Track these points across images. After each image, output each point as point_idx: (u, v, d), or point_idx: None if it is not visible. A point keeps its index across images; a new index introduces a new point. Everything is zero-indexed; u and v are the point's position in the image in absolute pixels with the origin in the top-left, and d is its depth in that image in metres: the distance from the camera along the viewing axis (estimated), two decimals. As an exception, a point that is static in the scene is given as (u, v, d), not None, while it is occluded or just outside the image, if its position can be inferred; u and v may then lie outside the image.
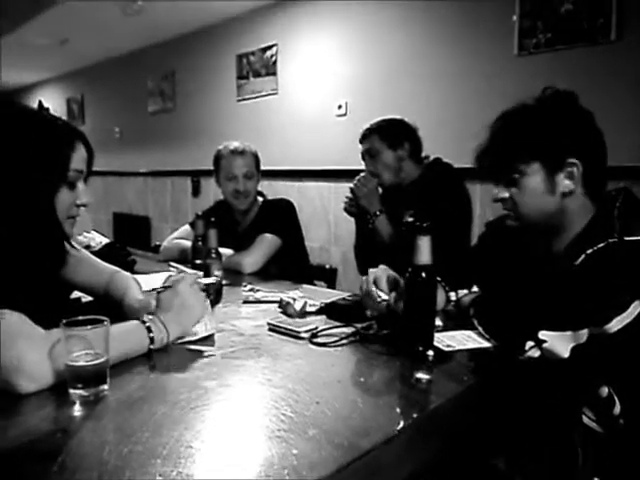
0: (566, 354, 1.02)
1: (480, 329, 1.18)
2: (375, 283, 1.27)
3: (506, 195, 1.17)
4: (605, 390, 1.03)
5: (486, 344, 1.15)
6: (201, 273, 1.36)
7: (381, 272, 1.29)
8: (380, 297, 1.25)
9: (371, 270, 1.31)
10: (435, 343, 1.10)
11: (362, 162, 2.16)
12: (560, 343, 1.03)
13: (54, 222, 1.06)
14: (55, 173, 1.05)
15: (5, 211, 0.98)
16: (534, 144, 1.12)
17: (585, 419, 1.08)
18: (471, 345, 1.14)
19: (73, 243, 1.32)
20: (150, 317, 1.09)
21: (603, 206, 1.14)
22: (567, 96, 1.15)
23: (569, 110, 1.14)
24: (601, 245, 1.04)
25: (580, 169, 1.11)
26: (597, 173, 1.14)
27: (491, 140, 1.19)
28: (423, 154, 2.11)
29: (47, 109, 1.11)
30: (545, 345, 1.04)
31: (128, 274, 1.44)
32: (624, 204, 1.11)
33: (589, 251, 1.05)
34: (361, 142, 2.13)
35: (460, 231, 1.96)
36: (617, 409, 1.02)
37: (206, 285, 1.33)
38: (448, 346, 1.12)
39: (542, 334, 1.04)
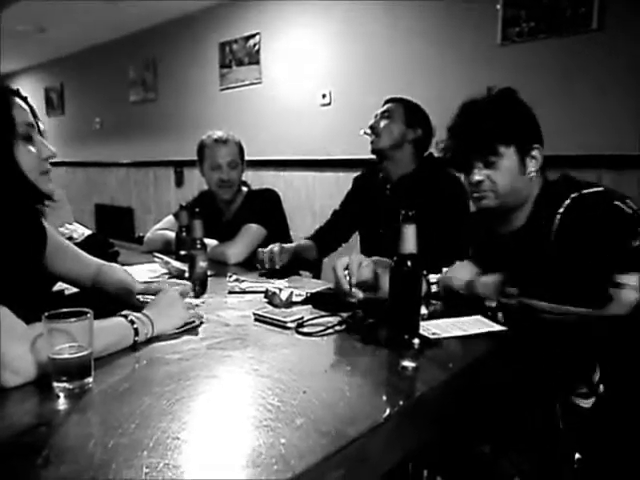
0: None
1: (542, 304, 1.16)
2: (347, 269, 1.30)
3: (484, 177, 1.28)
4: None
5: (472, 331, 1.15)
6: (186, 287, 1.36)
7: (353, 258, 1.31)
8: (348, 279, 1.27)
9: (342, 259, 1.32)
10: (421, 331, 1.11)
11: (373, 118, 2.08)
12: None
13: (21, 179, 1.04)
14: (2, 128, 1.03)
15: None
16: (511, 128, 1.26)
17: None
18: (456, 333, 1.15)
19: (53, 229, 1.30)
20: (135, 313, 1.09)
21: (545, 184, 1.31)
22: (515, 91, 1.32)
23: (522, 102, 1.31)
24: (568, 202, 1.18)
25: (541, 153, 1.28)
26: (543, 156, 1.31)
27: (469, 123, 1.30)
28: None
29: None
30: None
31: (116, 265, 1.43)
32: (565, 178, 1.30)
33: (561, 210, 1.19)
34: (384, 104, 2.08)
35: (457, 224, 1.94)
36: (597, 375, 1.05)
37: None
38: (434, 334, 1.13)
39: (621, 278, 1.10)
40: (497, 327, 1.17)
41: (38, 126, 1.13)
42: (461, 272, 1.34)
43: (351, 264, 1.29)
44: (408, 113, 2.00)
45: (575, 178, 1.29)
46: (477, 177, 1.28)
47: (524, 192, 1.29)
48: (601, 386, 1.05)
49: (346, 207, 2.24)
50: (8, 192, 1.02)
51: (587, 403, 1.08)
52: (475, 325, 1.19)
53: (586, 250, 1.13)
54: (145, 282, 1.39)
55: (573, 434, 1.09)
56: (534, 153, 1.27)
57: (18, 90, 1.11)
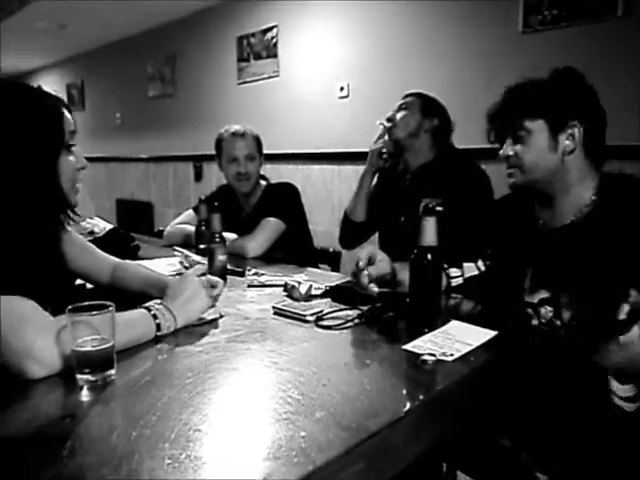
0: None
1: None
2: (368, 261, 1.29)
3: (511, 152, 1.25)
4: None
5: (476, 344, 1.04)
6: (204, 266, 1.35)
7: (368, 251, 1.31)
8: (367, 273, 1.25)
9: (361, 252, 1.31)
10: (430, 354, 0.98)
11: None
12: None
13: (56, 189, 1.05)
14: (54, 137, 1.04)
15: (10, 185, 0.98)
16: (540, 102, 1.22)
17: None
18: (466, 349, 1.02)
19: (73, 230, 1.32)
20: (157, 305, 1.09)
21: (605, 177, 1.24)
22: (573, 70, 1.24)
23: (573, 79, 1.24)
24: None
25: (580, 131, 1.20)
26: (596, 138, 1.23)
27: (502, 100, 1.28)
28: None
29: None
30: None
31: (132, 262, 1.45)
32: (626, 175, 1.24)
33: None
34: (403, 98, 2.08)
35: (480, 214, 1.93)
36: None
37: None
38: (450, 355, 0.99)
39: None
40: (491, 332, 1.09)
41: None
42: None
43: (361, 254, 1.28)
44: (424, 104, 2.01)
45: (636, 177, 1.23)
46: (502, 151, 1.26)
47: (558, 173, 1.21)
48: None
49: (372, 202, 2.24)
50: (39, 200, 1.03)
51: (630, 407, 1.04)
52: (470, 335, 1.08)
53: None
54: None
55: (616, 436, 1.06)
56: (571, 131, 1.20)
57: (60, 97, 1.11)
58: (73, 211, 1.13)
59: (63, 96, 1.12)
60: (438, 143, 2.01)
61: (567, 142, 1.20)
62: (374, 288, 1.23)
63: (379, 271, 1.28)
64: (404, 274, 1.23)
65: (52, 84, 6.91)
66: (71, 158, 1.09)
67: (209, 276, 1.28)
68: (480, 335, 1.08)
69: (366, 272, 1.24)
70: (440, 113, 2.02)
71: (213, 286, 1.25)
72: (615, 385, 1.02)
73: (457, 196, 1.80)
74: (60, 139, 1.06)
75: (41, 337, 0.86)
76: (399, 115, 2.01)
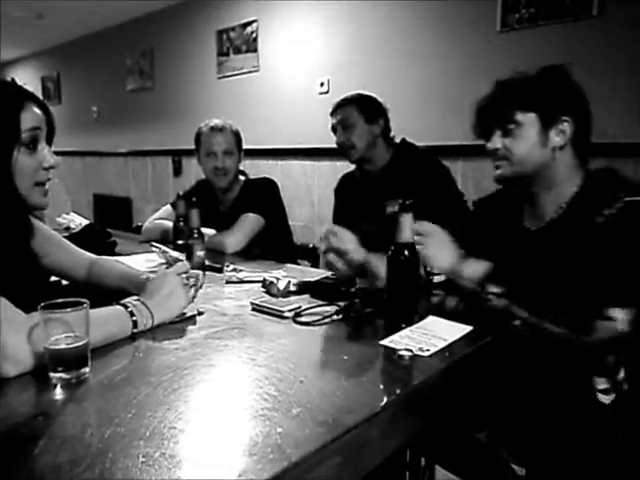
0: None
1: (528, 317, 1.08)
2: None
3: (499, 145, 1.23)
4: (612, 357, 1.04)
5: (452, 339, 1.05)
6: (184, 261, 1.36)
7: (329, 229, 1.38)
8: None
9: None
10: (407, 349, 0.99)
11: (332, 135, 2.08)
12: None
13: (9, 188, 0.99)
14: (4, 134, 0.98)
15: None
16: (533, 95, 1.20)
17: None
18: (442, 344, 1.04)
19: (48, 225, 1.30)
20: (134, 302, 1.08)
21: (591, 174, 1.22)
22: (562, 68, 1.25)
23: (563, 76, 1.24)
24: (619, 205, 1.08)
25: (572, 128, 1.19)
26: (584, 136, 1.22)
27: (492, 92, 1.26)
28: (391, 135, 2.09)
29: None
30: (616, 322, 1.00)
31: (110, 258, 1.43)
32: (611, 174, 1.20)
33: (606, 212, 1.09)
34: (333, 113, 2.06)
35: (461, 203, 1.95)
36: (622, 374, 1.04)
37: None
38: (426, 350, 1.00)
39: (612, 311, 1.00)
40: (467, 327, 1.11)
41: (50, 133, 1.07)
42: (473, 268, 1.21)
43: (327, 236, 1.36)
44: (363, 111, 2.00)
45: (623, 176, 1.19)
46: (489, 144, 1.24)
47: (547, 169, 1.20)
48: (625, 385, 1.03)
49: (339, 222, 2.25)
50: None
51: (607, 399, 1.06)
52: (446, 330, 1.10)
53: (614, 267, 1.03)
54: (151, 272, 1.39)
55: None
56: (562, 127, 1.18)
57: (32, 94, 1.05)
58: (30, 212, 1.09)
59: (37, 89, 1.07)
60: (389, 138, 2.04)
61: (557, 138, 1.19)
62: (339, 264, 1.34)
63: (352, 261, 1.34)
64: (379, 267, 1.25)
65: (27, 76, 6.77)
66: (31, 156, 1.02)
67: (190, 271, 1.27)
68: (456, 330, 1.10)
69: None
70: (380, 110, 2.02)
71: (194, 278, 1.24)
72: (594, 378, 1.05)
73: (427, 190, 1.80)
74: (12, 137, 0.99)
75: (13, 335, 0.85)
76: (347, 137, 2.00)
